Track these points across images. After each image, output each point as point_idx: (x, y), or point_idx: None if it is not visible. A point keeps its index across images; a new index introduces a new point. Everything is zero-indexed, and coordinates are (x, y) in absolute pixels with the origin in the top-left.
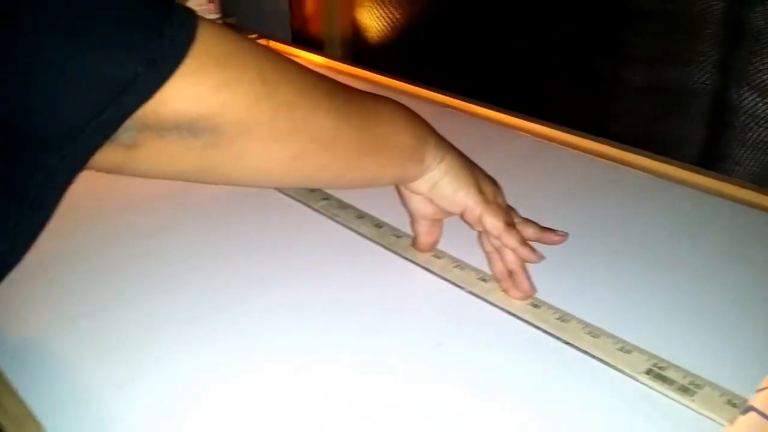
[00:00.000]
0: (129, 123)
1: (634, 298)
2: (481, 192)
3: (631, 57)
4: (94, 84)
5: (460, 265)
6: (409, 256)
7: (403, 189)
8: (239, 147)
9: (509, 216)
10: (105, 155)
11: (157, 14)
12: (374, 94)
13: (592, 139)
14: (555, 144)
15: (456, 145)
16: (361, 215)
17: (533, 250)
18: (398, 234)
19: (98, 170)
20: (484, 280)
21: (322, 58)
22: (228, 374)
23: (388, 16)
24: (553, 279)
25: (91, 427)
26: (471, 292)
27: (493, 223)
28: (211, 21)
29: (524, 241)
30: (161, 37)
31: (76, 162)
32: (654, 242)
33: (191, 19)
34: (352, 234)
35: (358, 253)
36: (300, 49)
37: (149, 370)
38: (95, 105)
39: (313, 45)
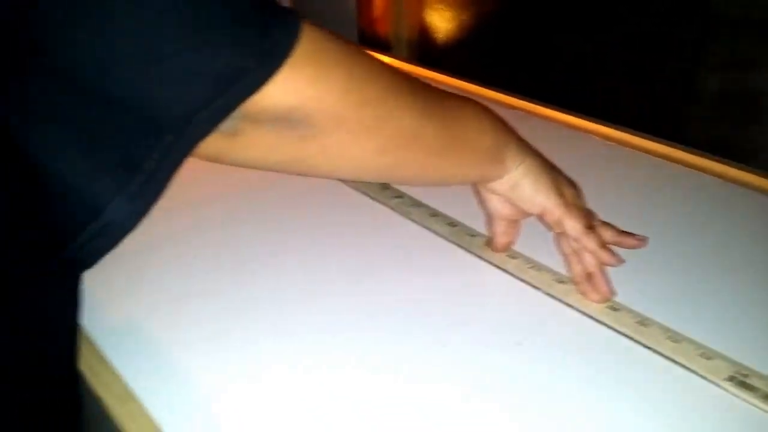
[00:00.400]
0: (233, 112)
1: (714, 304)
2: (561, 194)
3: (708, 61)
4: (209, 75)
5: (536, 266)
6: (483, 256)
7: (481, 189)
8: (328, 139)
9: (589, 219)
10: (207, 142)
11: (266, 15)
12: (458, 95)
13: (666, 144)
14: (628, 148)
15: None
16: (435, 213)
17: (613, 253)
18: (472, 233)
19: (199, 157)
20: (560, 281)
21: (389, 58)
22: (305, 364)
23: (456, 18)
24: (631, 283)
25: (184, 402)
26: (548, 293)
27: (573, 225)
28: (307, 20)
29: (604, 244)
30: (269, 36)
31: (188, 144)
32: (732, 248)
33: (295, 19)
34: (426, 232)
35: (432, 251)
36: (367, 49)
37: (234, 353)
38: (209, 94)
39: (380, 45)
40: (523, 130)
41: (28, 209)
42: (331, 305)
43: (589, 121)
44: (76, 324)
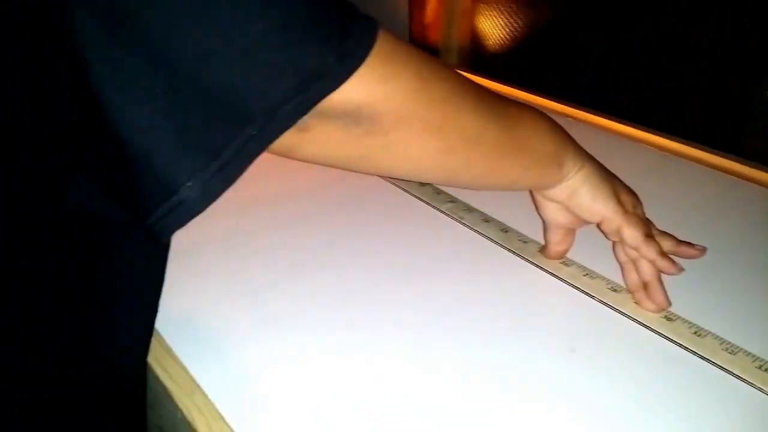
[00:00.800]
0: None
1: None
2: (619, 202)
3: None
4: (294, 71)
5: (590, 274)
6: (537, 262)
7: (538, 197)
8: (394, 136)
9: (648, 227)
10: (280, 137)
11: (347, 16)
12: (518, 102)
13: (720, 155)
14: (682, 158)
15: None
16: (487, 219)
17: (673, 261)
18: (525, 239)
19: (271, 152)
20: (614, 290)
21: None
22: (362, 361)
23: (508, 25)
24: (687, 293)
25: (249, 395)
26: (602, 302)
27: (632, 233)
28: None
29: (663, 253)
30: (350, 36)
31: (267, 138)
32: None
33: (372, 22)
34: (479, 237)
35: (485, 255)
36: None
37: (296, 347)
38: (293, 90)
39: (430, 52)
40: (576, 139)
41: (111, 178)
42: (383, 306)
43: (641, 129)
44: (155, 308)
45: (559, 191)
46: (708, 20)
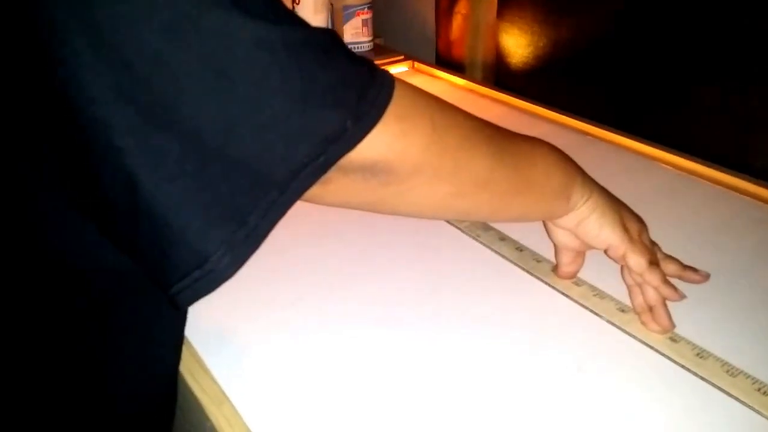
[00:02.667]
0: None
1: None
2: (625, 230)
3: None
4: (314, 137)
5: (599, 294)
6: (549, 281)
7: (548, 223)
8: (407, 185)
9: (653, 254)
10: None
11: (363, 77)
12: (530, 137)
13: (737, 176)
14: (698, 178)
15: (595, 174)
16: (503, 237)
17: (675, 288)
18: (539, 259)
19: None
20: (622, 310)
21: (464, 80)
22: (381, 373)
23: (531, 44)
24: (693, 315)
25: (275, 406)
26: (610, 322)
27: (637, 261)
28: (395, 77)
29: (666, 280)
30: (366, 97)
31: (291, 198)
32: None
33: (389, 81)
34: (494, 255)
35: (498, 273)
36: (443, 70)
37: (323, 361)
38: (313, 153)
39: (455, 67)
40: (590, 156)
41: (142, 249)
42: (398, 321)
43: (659, 148)
44: (181, 338)
45: (568, 220)
46: (726, 40)
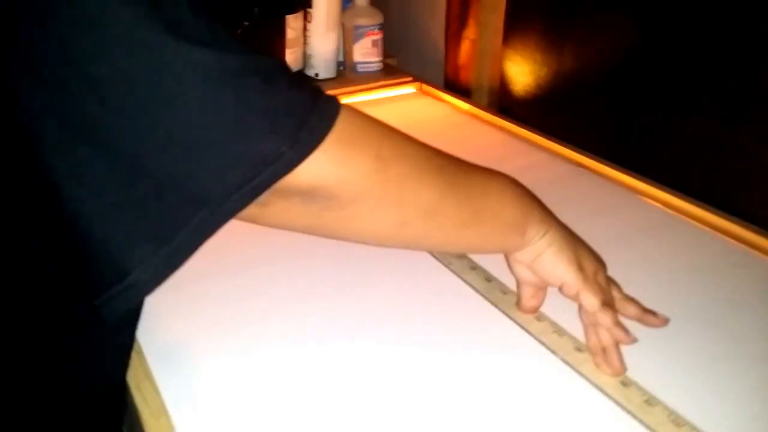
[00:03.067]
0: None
1: (731, 393)
2: (580, 269)
3: None
4: (248, 160)
5: (559, 331)
6: (510, 315)
7: (508, 256)
8: (349, 212)
9: (607, 294)
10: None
11: (305, 106)
12: (487, 170)
13: (723, 217)
14: (686, 217)
15: (579, 206)
16: (474, 267)
17: (627, 332)
18: (505, 291)
19: (236, 219)
20: (579, 350)
21: (468, 105)
22: (334, 396)
23: (533, 72)
24: (652, 358)
25: (214, 422)
26: (564, 360)
27: (590, 300)
28: (345, 105)
29: (618, 322)
30: (306, 124)
31: (222, 218)
32: None
33: (332, 109)
34: (462, 283)
35: (464, 303)
36: (449, 94)
37: (271, 381)
38: (246, 176)
39: (462, 92)
40: (578, 187)
41: (65, 262)
42: (349, 339)
43: (648, 183)
44: (129, 344)
45: (524, 255)
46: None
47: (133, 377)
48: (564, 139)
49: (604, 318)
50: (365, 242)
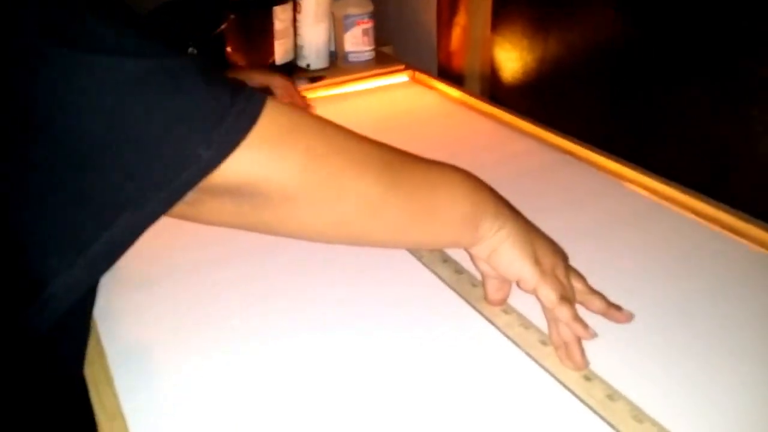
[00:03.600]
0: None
1: (699, 389)
2: (537, 263)
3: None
4: (165, 161)
5: (525, 324)
6: (478, 308)
7: (467, 250)
8: (284, 210)
9: (566, 288)
10: (174, 208)
11: (221, 106)
12: (439, 164)
13: (709, 203)
14: (671, 204)
15: (568, 193)
16: (446, 259)
17: (585, 326)
18: (475, 283)
19: (171, 217)
20: (543, 343)
21: (459, 92)
22: (301, 394)
23: (521, 58)
24: (618, 351)
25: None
26: (528, 354)
27: (547, 295)
28: (275, 101)
29: (577, 317)
30: (224, 123)
31: (151, 216)
32: (747, 332)
33: (255, 105)
34: (432, 276)
35: (433, 294)
36: (442, 82)
37: (231, 386)
38: (164, 178)
39: (455, 79)
40: (564, 174)
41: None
42: (321, 337)
43: (635, 170)
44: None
45: (480, 250)
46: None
47: (92, 380)
48: (553, 125)
49: (562, 313)
50: (307, 239)
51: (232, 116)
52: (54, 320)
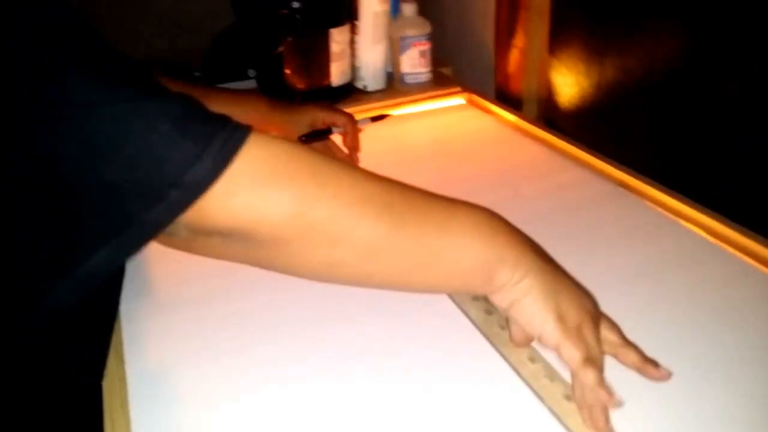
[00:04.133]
0: (179, 225)
1: None
2: (560, 319)
3: None
4: (136, 200)
5: (551, 375)
6: (504, 353)
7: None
8: (275, 252)
9: (591, 348)
10: (173, 243)
11: (195, 145)
12: (454, 204)
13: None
14: (725, 245)
15: (615, 229)
16: (477, 297)
17: (610, 393)
18: (503, 325)
19: (175, 249)
20: (568, 398)
21: (514, 117)
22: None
23: (577, 83)
24: (654, 414)
25: None
26: (550, 410)
27: (570, 356)
28: (266, 138)
29: (601, 381)
30: (195, 164)
31: (129, 250)
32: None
33: (233, 145)
34: (461, 314)
35: (460, 334)
36: (498, 105)
37: (254, 411)
38: (140, 209)
39: (513, 102)
40: (618, 208)
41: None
42: (344, 373)
43: (691, 206)
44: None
45: (499, 300)
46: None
47: (108, 405)
48: (608, 154)
49: (586, 376)
50: (304, 278)
51: (208, 158)
52: (47, 330)
